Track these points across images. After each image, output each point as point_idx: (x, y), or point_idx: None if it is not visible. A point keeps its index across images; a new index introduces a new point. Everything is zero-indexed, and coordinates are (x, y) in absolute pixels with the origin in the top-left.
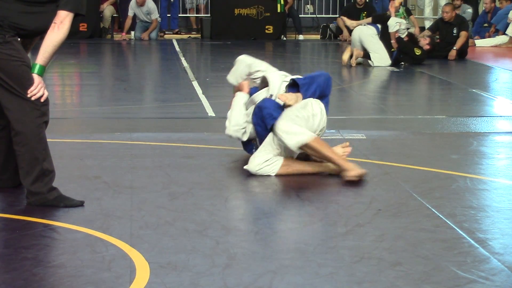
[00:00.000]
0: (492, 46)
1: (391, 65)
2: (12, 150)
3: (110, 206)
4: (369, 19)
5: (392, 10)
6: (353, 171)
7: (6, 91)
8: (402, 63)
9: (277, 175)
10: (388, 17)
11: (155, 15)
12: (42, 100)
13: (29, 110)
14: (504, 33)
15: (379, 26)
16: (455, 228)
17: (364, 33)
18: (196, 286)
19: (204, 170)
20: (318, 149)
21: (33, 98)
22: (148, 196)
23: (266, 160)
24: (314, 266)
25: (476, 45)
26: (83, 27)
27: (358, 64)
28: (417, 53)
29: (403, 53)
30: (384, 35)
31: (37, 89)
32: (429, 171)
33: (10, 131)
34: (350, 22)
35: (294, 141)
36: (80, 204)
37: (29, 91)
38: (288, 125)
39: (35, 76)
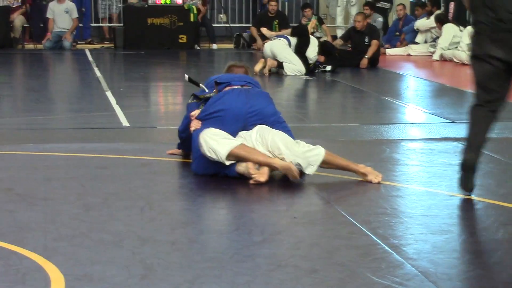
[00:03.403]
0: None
1: (306, 74)
2: None
3: (23, 218)
4: (288, 31)
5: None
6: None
7: None
8: (327, 67)
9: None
10: (305, 28)
11: (75, 15)
12: None
13: None
14: (413, 42)
15: (290, 38)
16: (370, 234)
17: (275, 45)
18: None
19: (119, 180)
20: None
21: None
22: (63, 208)
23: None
24: (231, 274)
25: (388, 54)
26: None
27: (272, 73)
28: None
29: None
30: (300, 48)
31: None
32: (344, 178)
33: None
34: (269, 33)
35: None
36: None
37: None
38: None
39: None
